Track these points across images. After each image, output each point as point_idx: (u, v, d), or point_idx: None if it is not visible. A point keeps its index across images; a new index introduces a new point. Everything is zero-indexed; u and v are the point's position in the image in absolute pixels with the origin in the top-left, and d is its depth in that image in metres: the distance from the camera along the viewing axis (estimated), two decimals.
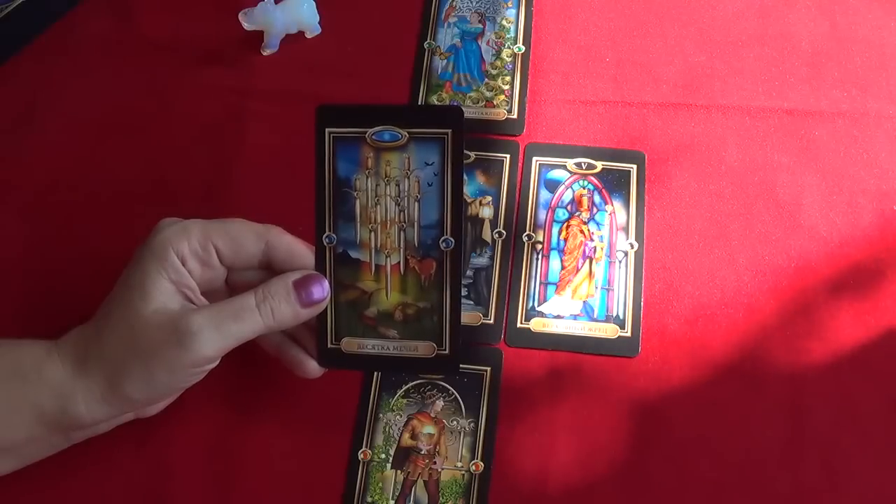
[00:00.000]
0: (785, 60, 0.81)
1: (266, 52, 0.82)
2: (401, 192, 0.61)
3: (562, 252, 0.73)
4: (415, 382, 0.69)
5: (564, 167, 0.76)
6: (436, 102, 0.79)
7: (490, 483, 0.65)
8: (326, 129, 0.61)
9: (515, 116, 0.78)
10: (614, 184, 0.75)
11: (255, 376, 0.68)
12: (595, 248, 0.73)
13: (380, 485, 0.65)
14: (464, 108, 0.77)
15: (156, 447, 0.66)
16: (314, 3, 0.81)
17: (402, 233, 0.61)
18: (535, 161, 0.76)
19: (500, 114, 0.79)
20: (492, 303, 0.71)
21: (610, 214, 0.74)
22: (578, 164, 0.76)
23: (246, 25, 0.79)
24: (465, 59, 0.82)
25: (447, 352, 0.62)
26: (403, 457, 0.66)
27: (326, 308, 0.62)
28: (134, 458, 0.66)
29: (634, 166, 0.76)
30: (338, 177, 0.61)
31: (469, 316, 0.70)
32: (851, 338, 0.69)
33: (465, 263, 0.72)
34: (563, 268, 0.72)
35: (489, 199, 0.75)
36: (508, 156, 0.77)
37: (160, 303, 0.57)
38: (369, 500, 0.65)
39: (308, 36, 0.83)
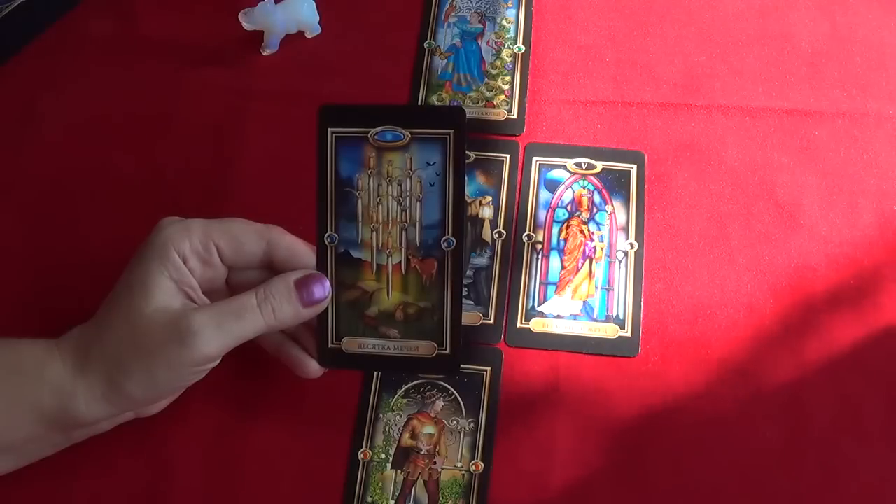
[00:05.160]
0: (785, 60, 0.81)
1: (266, 52, 0.82)
2: (403, 191, 0.61)
3: (562, 252, 0.73)
4: (415, 382, 0.69)
5: (564, 167, 0.76)
6: (436, 102, 0.79)
7: (490, 483, 0.65)
8: (329, 129, 0.61)
9: (515, 116, 0.78)
10: (614, 184, 0.75)
11: (255, 376, 0.68)
12: (595, 248, 0.73)
13: (380, 485, 0.65)
14: (464, 108, 0.77)
15: (156, 447, 0.66)
16: (314, 3, 0.81)
17: (403, 232, 0.61)
18: (535, 161, 0.76)
19: (500, 114, 0.79)
20: (492, 303, 0.71)
21: (610, 214, 0.74)
22: (578, 164, 0.76)
23: (246, 25, 0.79)
24: (465, 59, 0.82)
25: (448, 352, 0.62)
26: (403, 457, 0.66)
27: (327, 308, 0.62)
28: (134, 458, 0.66)
29: (634, 166, 0.76)
30: (340, 176, 0.61)
31: (469, 316, 0.70)
32: (851, 338, 0.69)
33: (465, 263, 0.72)
34: (563, 268, 0.72)
35: (489, 199, 0.75)
36: (508, 156, 0.77)
37: (161, 301, 0.57)
38: (369, 500, 0.65)
39: (308, 36, 0.83)
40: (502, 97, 0.79)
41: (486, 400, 0.68)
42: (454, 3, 0.85)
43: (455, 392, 0.68)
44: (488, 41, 0.83)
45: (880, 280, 0.71)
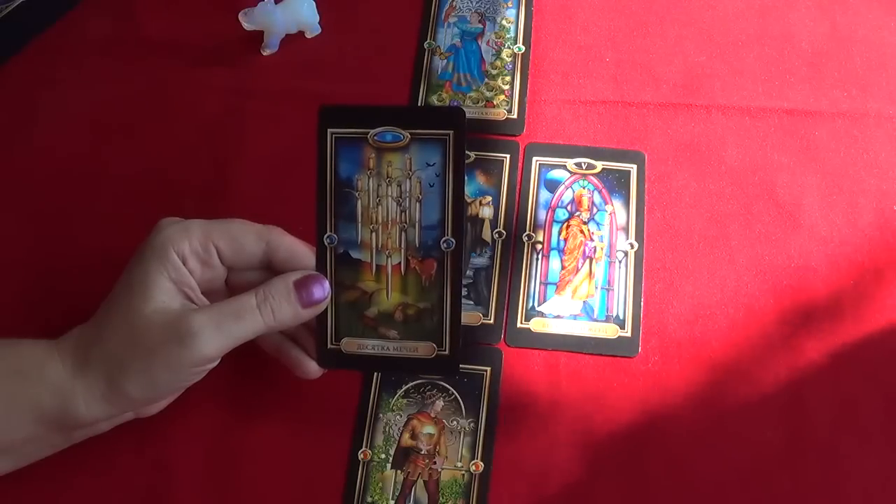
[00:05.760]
0: (785, 60, 0.81)
1: (266, 52, 0.82)
2: (402, 192, 0.61)
3: (562, 252, 0.73)
4: (415, 382, 0.69)
5: (564, 167, 0.76)
6: (436, 102, 0.79)
7: (490, 483, 0.65)
8: (328, 130, 0.61)
9: (515, 116, 0.78)
10: (614, 184, 0.75)
11: (255, 376, 0.68)
12: (595, 248, 0.73)
13: (380, 485, 0.65)
14: (464, 109, 0.77)
15: (156, 447, 0.66)
16: (314, 3, 0.81)
17: (403, 233, 0.61)
18: (535, 161, 0.76)
19: (500, 114, 0.79)
20: (492, 303, 0.71)
21: (610, 214, 0.74)
22: (578, 164, 0.76)
23: (246, 25, 0.79)
24: (465, 59, 0.82)
25: (447, 352, 0.62)
26: (403, 457, 0.66)
27: (326, 308, 0.62)
28: (134, 458, 0.66)
29: (634, 166, 0.76)
30: (339, 177, 0.61)
31: (469, 316, 0.70)
32: (851, 338, 0.69)
33: (465, 264, 0.72)
34: (563, 268, 0.72)
35: (489, 199, 0.75)
36: (508, 156, 0.77)
37: (161, 302, 0.57)
38: (369, 500, 0.65)
39: (308, 36, 0.83)
40: (502, 97, 0.79)
41: (486, 400, 0.68)
42: (454, 3, 0.85)
43: (455, 392, 0.68)
44: (488, 41, 0.83)
45: (880, 280, 0.71)
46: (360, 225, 0.61)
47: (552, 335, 0.70)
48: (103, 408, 0.58)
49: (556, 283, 0.72)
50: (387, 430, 0.67)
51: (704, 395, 0.68)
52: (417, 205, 0.61)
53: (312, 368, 0.63)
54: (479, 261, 0.73)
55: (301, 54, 0.82)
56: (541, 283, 0.72)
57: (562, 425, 0.67)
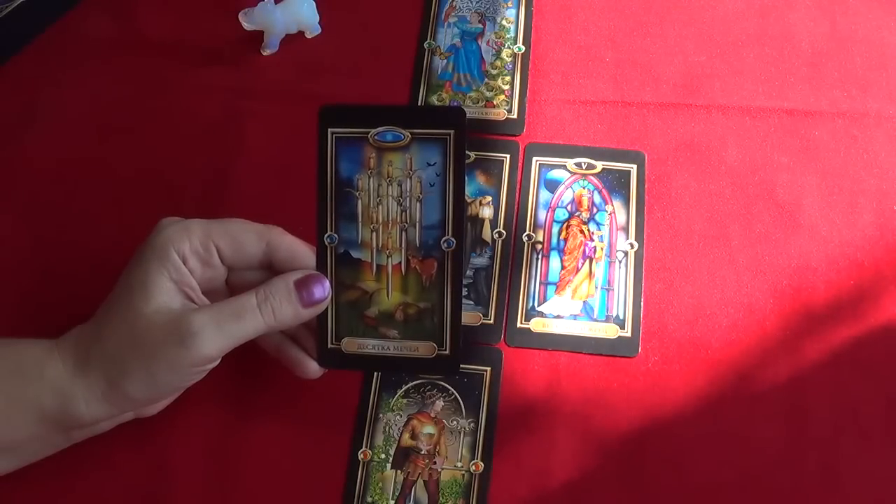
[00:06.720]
0: (785, 60, 0.81)
1: (266, 52, 0.82)
2: (403, 192, 0.61)
3: (562, 252, 0.73)
4: (415, 382, 0.69)
5: (564, 167, 0.76)
6: (436, 102, 0.79)
7: (490, 483, 0.65)
8: (329, 130, 0.61)
9: (515, 116, 0.78)
10: (614, 184, 0.75)
11: (255, 376, 0.68)
12: (595, 248, 0.73)
13: (380, 485, 0.65)
14: (464, 109, 0.77)
15: (156, 447, 0.66)
16: (314, 3, 0.81)
17: (403, 233, 0.61)
18: (535, 161, 0.76)
19: (500, 114, 0.79)
20: (492, 303, 0.71)
21: (610, 214, 0.74)
22: (578, 164, 0.76)
23: (246, 25, 0.79)
24: (465, 59, 0.82)
25: (448, 352, 0.62)
26: (403, 457, 0.66)
27: (327, 308, 0.62)
28: (134, 458, 0.66)
29: (634, 166, 0.76)
30: (340, 177, 0.61)
31: (469, 316, 0.70)
32: (851, 338, 0.69)
33: (465, 263, 0.72)
34: (563, 268, 0.72)
35: (489, 199, 0.75)
36: (508, 156, 0.77)
37: (161, 302, 0.57)
38: (369, 500, 0.65)
39: (308, 36, 0.83)
40: (502, 97, 0.79)
41: (486, 400, 0.68)
42: (454, 3, 0.85)
43: (455, 392, 0.68)
44: (488, 41, 0.83)
45: (880, 280, 0.71)
46: (360, 224, 0.62)
47: (552, 335, 0.70)
48: (104, 407, 0.58)
49: (556, 283, 0.72)
50: (387, 430, 0.67)
51: (704, 395, 0.68)
52: (418, 204, 0.61)
53: (313, 368, 0.63)
54: (479, 261, 0.73)
55: (301, 54, 0.82)
56: (541, 283, 0.72)
57: (562, 425, 0.67)
